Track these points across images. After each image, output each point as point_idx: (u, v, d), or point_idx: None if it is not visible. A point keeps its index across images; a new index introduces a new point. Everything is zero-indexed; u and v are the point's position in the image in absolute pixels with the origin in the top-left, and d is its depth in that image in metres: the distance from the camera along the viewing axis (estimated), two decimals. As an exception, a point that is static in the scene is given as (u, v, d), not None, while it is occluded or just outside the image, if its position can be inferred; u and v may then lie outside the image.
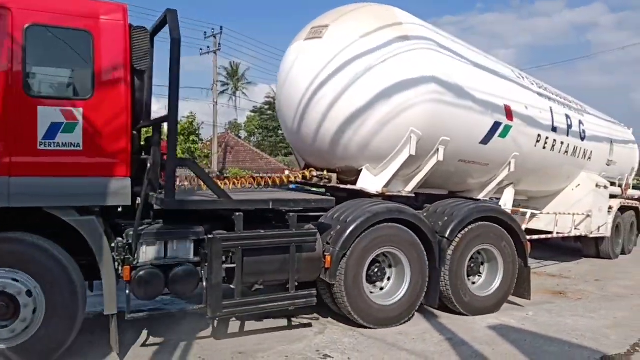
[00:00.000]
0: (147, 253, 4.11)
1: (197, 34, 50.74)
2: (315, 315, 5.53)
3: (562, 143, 8.23)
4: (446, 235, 5.45)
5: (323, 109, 5.33)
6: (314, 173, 5.80)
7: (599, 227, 9.63)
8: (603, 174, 10.38)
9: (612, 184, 11.14)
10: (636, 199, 12.56)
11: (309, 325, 5.21)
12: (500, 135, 6.64)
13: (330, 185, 5.77)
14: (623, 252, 11.43)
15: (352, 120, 5.27)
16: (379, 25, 5.35)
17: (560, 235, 9.18)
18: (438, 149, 5.78)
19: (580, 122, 8.95)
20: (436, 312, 5.84)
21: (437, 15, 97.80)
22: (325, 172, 5.71)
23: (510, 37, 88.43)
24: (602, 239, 10.37)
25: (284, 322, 5.21)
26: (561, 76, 76.04)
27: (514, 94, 6.93)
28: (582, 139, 8.95)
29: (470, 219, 5.61)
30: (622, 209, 11.28)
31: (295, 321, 5.26)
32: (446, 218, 5.62)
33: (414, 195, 6.12)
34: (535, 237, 8.63)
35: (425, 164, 5.87)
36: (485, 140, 6.44)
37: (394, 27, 5.40)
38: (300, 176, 5.70)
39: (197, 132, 29.19)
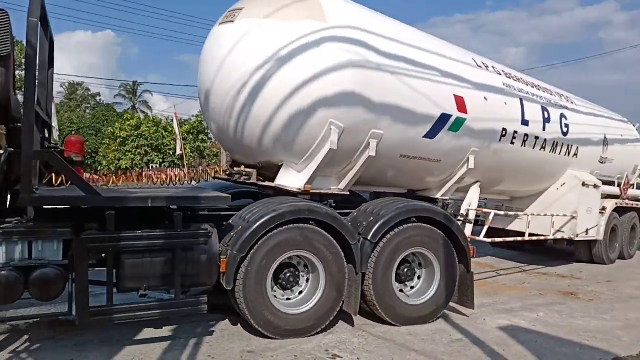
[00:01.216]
0: (7, 253, 3.78)
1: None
2: None
3: (536, 138, 7.52)
4: (369, 237, 4.93)
5: (232, 100, 4.88)
6: (237, 169, 5.37)
7: (587, 230, 8.83)
8: (596, 172, 9.55)
9: (610, 183, 10.31)
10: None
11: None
12: (451, 129, 6.05)
13: (250, 182, 5.33)
14: (623, 257, 10.56)
15: (263, 112, 4.80)
16: (295, 7, 4.87)
17: (537, 238, 8.43)
18: (369, 143, 5.24)
19: (563, 116, 8.20)
20: (446, 312, 5.76)
21: (447, 14, 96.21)
22: (242, 168, 5.27)
23: (521, 35, 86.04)
24: (595, 242, 9.57)
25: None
26: (573, 75, 73.59)
27: (470, 84, 6.30)
28: (565, 134, 8.18)
29: (397, 220, 5.07)
30: (620, 210, 10.40)
31: None
32: (372, 218, 5.10)
33: (348, 193, 5.61)
34: (511, 239, 7.98)
35: (356, 159, 5.35)
36: (431, 134, 5.87)
37: (311, 6, 4.89)
38: (213, 173, 5.27)
39: (206, 131, 29.24)
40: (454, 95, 6.00)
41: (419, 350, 4.59)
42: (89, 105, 56.07)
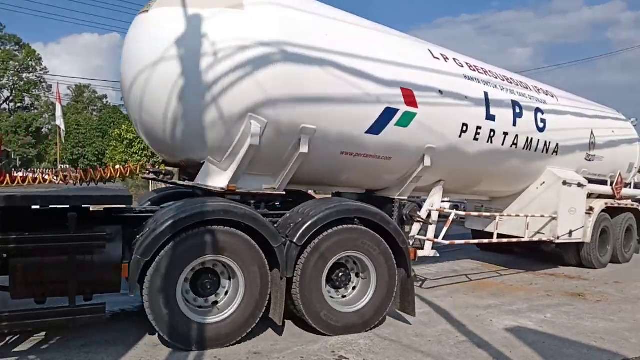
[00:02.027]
0: None
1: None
2: None
3: (505, 134, 7.06)
4: (294, 240, 4.59)
5: (147, 95, 4.61)
6: (162, 167, 5.10)
7: (571, 231, 8.29)
8: (583, 170, 9.00)
9: (602, 182, 9.73)
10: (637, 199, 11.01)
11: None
12: (398, 124, 5.67)
13: (172, 181, 5.05)
14: (616, 261, 9.94)
15: (177, 107, 4.50)
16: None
17: (509, 240, 7.94)
18: (300, 139, 4.91)
19: (539, 111, 7.70)
20: (453, 313, 5.84)
21: (453, 14, 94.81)
22: (163, 167, 5.00)
23: (527, 35, 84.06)
24: (583, 244, 9.00)
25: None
26: (581, 75, 71.93)
27: (420, 76, 5.90)
28: (541, 130, 7.69)
29: (326, 221, 4.71)
30: (613, 211, 9.81)
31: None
32: (300, 219, 4.76)
33: (283, 192, 5.28)
34: (486, 241, 7.52)
35: (288, 156, 5.02)
36: (376, 130, 5.50)
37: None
38: (128, 172, 5.01)
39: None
40: (401, 89, 5.61)
41: (425, 352, 4.56)
42: (95, 108, 56.60)
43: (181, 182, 4.97)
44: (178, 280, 4.23)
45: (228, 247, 4.38)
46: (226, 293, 4.56)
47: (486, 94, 6.79)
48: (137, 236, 4.27)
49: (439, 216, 6.82)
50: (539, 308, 6.35)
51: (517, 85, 7.64)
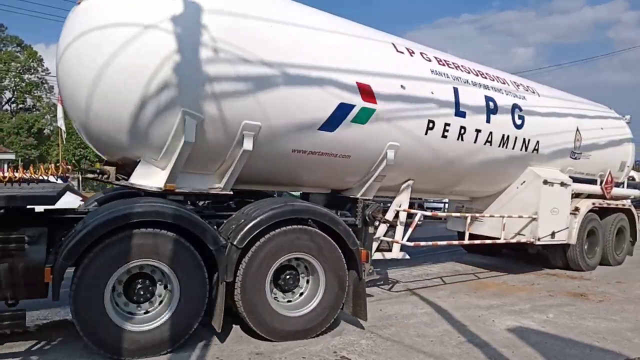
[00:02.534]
0: None
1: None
2: None
3: (478, 131, 6.75)
4: (235, 243, 4.34)
5: (77, 90, 4.38)
6: (97, 166, 4.88)
7: (553, 233, 7.96)
8: (569, 169, 8.67)
9: (591, 181, 9.37)
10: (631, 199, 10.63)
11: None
12: (355, 121, 5.39)
13: (107, 181, 4.82)
14: (607, 263, 9.58)
15: (105, 101, 4.27)
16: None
17: (481, 242, 7.61)
18: (244, 136, 4.65)
19: (516, 107, 7.38)
20: (454, 313, 5.85)
21: (454, 14, 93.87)
22: (97, 165, 4.77)
23: (528, 35, 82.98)
24: (569, 246, 8.65)
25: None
26: (582, 74, 70.98)
27: (381, 70, 5.63)
28: (519, 126, 7.37)
29: (269, 222, 4.47)
30: (602, 211, 9.45)
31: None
32: (242, 221, 4.52)
33: (230, 192, 5.02)
34: (455, 242, 7.23)
35: (232, 154, 4.77)
36: (330, 127, 5.23)
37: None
38: (55, 170, 4.80)
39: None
40: (357, 83, 5.34)
41: (428, 352, 4.55)
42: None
43: (116, 182, 4.74)
44: (105, 287, 4.00)
45: (160, 251, 4.14)
46: (159, 299, 4.32)
47: (456, 89, 6.49)
48: (64, 239, 4.05)
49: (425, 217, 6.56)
50: (541, 308, 6.32)
51: (494, 80, 7.33)
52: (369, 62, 5.57)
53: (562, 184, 8.10)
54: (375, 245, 6.33)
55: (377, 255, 6.43)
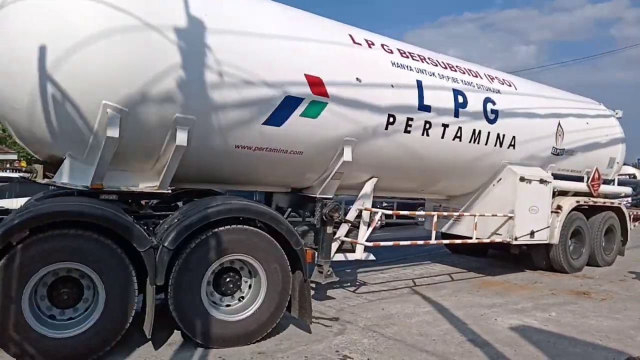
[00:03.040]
0: None
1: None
2: (335, 316, 5.53)
3: (445, 126, 6.46)
4: (166, 244, 4.12)
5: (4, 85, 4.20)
6: (22, 165, 4.69)
7: (532, 232, 7.62)
8: (551, 165, 8.33)
9: (577, 178, 9.03)
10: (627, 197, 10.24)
11: (329, 326, 5.17)
12: (305, 115, 5.15)
13: (33, 180, 4.63)
14: (595, 264, 9.20)
15: (21, 93, 4.04)
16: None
17: (450, 241, 7.31)
18: (177, 131, 4.43)
19: (489, 101, 7.08)
20: (456, 313, 5.84)
21: (457, 13, 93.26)
22: (22, 164, 4.58)
23: (531, 33, 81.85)
24: (551, 246, 8.30)
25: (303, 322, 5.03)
26: (585, 72, 69.96)
27: (334, 62, 5.39)
28: (492, 121, 7.06)
29: (203, 223, 4.24)
30: (589, 210, 9.09)
31: (315, 322, 5.18)
32: (176, 221, 4.31)
33: (168, 191, 4.80)
34: (420, 242, 6.91)
35: (165, 151, 4.54)
36: (276, 121, 4.99)
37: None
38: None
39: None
40: (306, 76, 5.10)
41: (430, 351, 4.54)
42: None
43: (41, 181, 4.54)
44: (23, 293, 3.77)
45: (84, 253, 3.92)
46: (84, 304, 4.10)
47: (419, 82, 6.21)
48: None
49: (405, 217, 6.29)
50: (544, 307, 6.33)
51: (465, 73, 7.03)
52: (320, 53, 5.32)
53: (542, 181, 7.77)
54: (335, 245, 6.07)
55: (339, 257, 6.17)
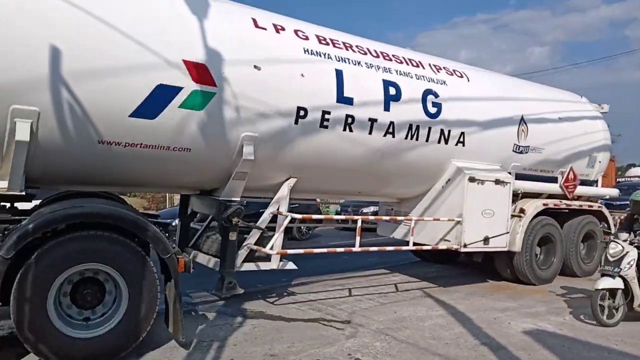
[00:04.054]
0: None
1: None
2: (347, 319, 5.52)
3: (373, 120, 5.79)
4: (1, 253, 3.59)
5: None
6: None
7: (486, 238, 6.85)
8: (514, 164, 7.54)
9: (549, 179, 8.20)
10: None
11: (341, 329, 5.14)
12: (186, 106, 4.56)
13: None
14: (573, 274, 8.33)
15: None
16: None
17: (380, 249, 6.56)
18: (15, 124, 3.90)
19: (430, 93, 6.36)
20: (470, 316, 5.79)
21: (469, 13, 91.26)
22: None
23: (544, 33, 79.21)
24: (514, 254, 7.49)
25: (315, 325, 5.20)
26: (599, 73, 67.00)
27: (225, 47, 4.78)
28: (433, 115, 6.35)
29: (46, 229, 3.69)
30: (562, 214, 8.22)
31: (327, 325, 5.23)
32: (19, 226, 3.78)
33: (21, 192, 4.24)
34: (324, 250, 6.23)
35: (8, 148, 4.00)
36: (147, 113, 4.40)
37: None
38: None
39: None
40: (185, 62, 4.52)
41: (443, 355, 4.49)
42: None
43: None
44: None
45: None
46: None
47: (339, 71, 5.57)
48: None
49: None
50: (558, 311, 6.25)
51: (401, 63, 6.33)
52: (208, 37, 4.73)
53: (498, 182, 6.98)
54: (243, 253, 5.46)
55: (250, 266, 5.55)
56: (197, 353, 4.26)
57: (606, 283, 5.55)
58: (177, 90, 4.50)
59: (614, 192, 9.58)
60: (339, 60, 5.65)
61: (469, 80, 7.06)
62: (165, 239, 4.22)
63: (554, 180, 8.28)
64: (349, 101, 5.58)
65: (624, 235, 5.95)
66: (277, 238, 5.48)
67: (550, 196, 8.29)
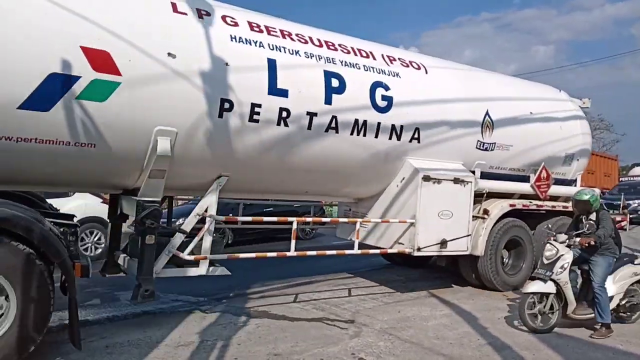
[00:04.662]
0: None
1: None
2: (350, 318, 5.52)
3: (312, 114, 5.34)
4: None
5: None
6: None
7: (444, 241, 6.37)
8: (478, 162, 7.06)
9: (522, 178, 7.72)
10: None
11: (345, 328, 5.15)
12: (85, 97, 4.14)
13: None
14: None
15: None
16: None
17: (302, 253, 6.07)
18: None
19: (379, 85, 5.90)
20: (475, 315, 5.79)
21: (473, 12, 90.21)
22: None
23: (549, 32, 78.18)
24: (478, 259, 7.01)
25: (319, 325, 5.23)
26: (605, 72, 66.02)
27: (133, 34, 4.35)
28: (382, 109, 5.88)
29: None
30: (534, 216, 7.73)
31: (330, 324, 5.25)
32: None
33: None
34: (273, 254, 5.75)
35: None
36: (39, 104, 3.97)
37: None
38: None
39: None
40: (83, 48, 4.10)
41: (447, 354, 4.48)
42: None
43: None
44: None
45: None
46: None
47: (272, 61, 5.12)
48: None
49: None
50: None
51: (347, 52, 5.86)
52: (111, 21, 4.30)
53: (457, 181, 6.51)
54: (166, 258, 5.03)
55: (174, 272, 5.13)
56: (201, 352, 4.29)
57: (535, 287, 5.23)
58: (74, 79, 4.08)
59: (595, 192, 9.03)
60: (273, 49, 5.20)
61: (427, 72, 6.58)
62: (57, 242, 3.81)
63: (526, 179, 7.79)
64: (283, 93, 5.14)
65: (562, 237, 5.54)
66: (205, 242, 5.06)
67: (523, 196, 7.81)
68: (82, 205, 8.40)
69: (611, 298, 5.40)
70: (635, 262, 5.73)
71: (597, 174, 25.87)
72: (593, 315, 5.30)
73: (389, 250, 6.40)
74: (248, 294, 5.68)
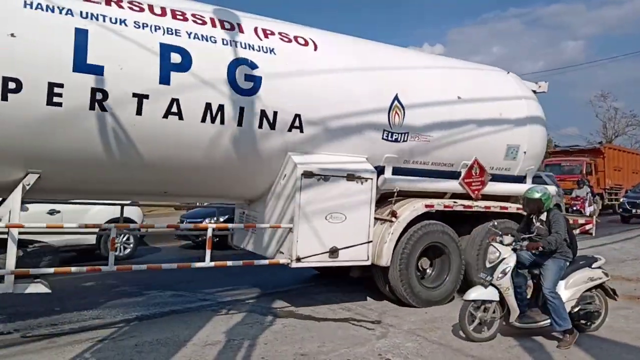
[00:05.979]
0: None
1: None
2: (377, 319, 5.49)
3: (143, 97, 4.37)
4: None
5: None
6: None
7: (334, 249, 5.33)
8: (387, 156, 6.01)
9: (451, 174, 6.63)
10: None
11: (372, 329, 5.13)
12: None
13: None
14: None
15: None
16: None
17: (154, 266, 5.09)
18: None
19: (242, 63, 4.88)
20: None
21: (500, 8, 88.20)
22: None
23: (578, 27, 75.56)
24: (387, 270, 5.92)
25: (345, 325, 5.21)
26: (635, 68, 63.24)
27: None
28: (246, 92, 4.88)
29: None
30: (469, 219, 6.62)
31: (357, 324, 5.25)
32: None
33: None
34: (108, 267, 4.77)
35: None
36: None
37: None
38: None
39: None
40: None
41: (476, 356, 4.46)
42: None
43: None
44: None
45: None
46: None
47: (83, 31, 4.16)
48: None
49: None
50: None
51: (202, 24, 4.85)
52: None
53: (352, 178, 5.45)
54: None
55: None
56: (228, 351, 4.32)
57: (476, 294, 4.81)
58: None
59: (553, 189, 7.80)
60: (85, 17, 4.24)
61: (315, 49, 5.54)
62: None
63: (457, 175, 6.68)
64: (95, 70, 4.19)
65: (508, 239, 5.00)
66: (9, 255, 4.13)
67: (455, 196, 6.70)
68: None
69: None
70: (593, 266, 5.12)
71: (624, 171, 24.33)
72: (549, 321, 4.83)
73: (269, 262, 5.37)
74: (274, 293, 5.77)
